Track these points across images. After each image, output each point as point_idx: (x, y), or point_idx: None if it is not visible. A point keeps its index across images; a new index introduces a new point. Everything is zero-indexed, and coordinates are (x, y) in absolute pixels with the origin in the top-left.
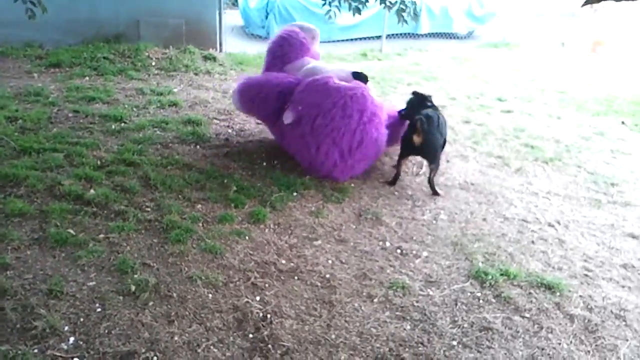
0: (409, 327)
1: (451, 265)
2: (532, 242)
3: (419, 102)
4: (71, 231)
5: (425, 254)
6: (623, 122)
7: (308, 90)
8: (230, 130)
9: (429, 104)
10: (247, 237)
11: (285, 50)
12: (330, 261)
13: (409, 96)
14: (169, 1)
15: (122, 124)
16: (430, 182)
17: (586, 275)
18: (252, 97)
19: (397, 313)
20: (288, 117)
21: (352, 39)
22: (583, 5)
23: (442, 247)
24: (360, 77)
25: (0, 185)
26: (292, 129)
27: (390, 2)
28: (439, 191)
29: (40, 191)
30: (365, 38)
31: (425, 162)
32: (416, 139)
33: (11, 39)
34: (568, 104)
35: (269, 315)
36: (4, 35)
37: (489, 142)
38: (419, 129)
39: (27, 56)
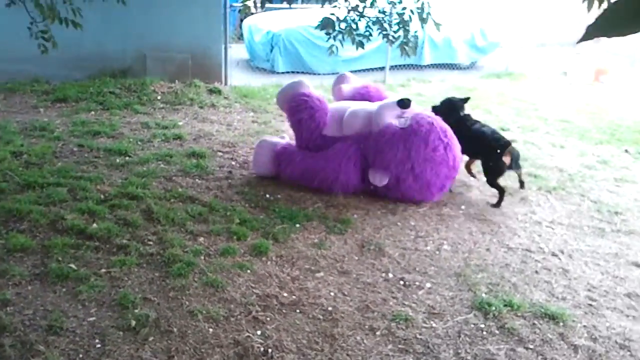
0: None
1: (454, 296)
2: (536, 272)
3: (450, 107)
4: (73, 266)
5: (428, 285)
6: (626, 151)
7: (384, 146)
8: (233, 163)
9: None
10: (249, 270)
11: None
12: (332, 293)
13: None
14: (176, 36)
15: (127, 158)
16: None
17: (590, 304)
18: None
19: (400, 346)
20: (383, 180)
21: (356, 70)
22: (578, 42)
23: (445, 278)
24: (404, 104)
25: (3, 220)
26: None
27: (393, 37)
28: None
29: (43, 226)
30: (368, 69)
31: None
32: (506, 160)
33: (18, 75)
34: (571, 133)
35: (270, 350)
36: (12, 71)
37: None
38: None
39: (34, 91)
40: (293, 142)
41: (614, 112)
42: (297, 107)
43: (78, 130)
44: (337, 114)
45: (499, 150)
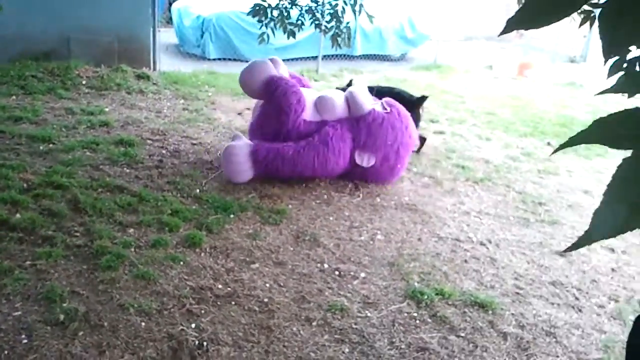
0: (347, 349)
1: (388, 285)
2: (465, 261)
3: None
4: None
5: (362, 275)
6: (549, 143)
7: (376, 131)
8: (164, 152)
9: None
10: (182, 262)
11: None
12: (268, 285)
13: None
14: (102, 18)
15: (51, 145)
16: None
17: (517, 293)
18: None
19: (336, 336)
20: (370, 161)
21: (288, 59)
22: (500, 34)
23: (379, 268)
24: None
25: None
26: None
27: (325, 27)
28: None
29: None
30: (301, 58)
31: (359, 185)
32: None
33: None
34: (496, 126)
35: (205, 343)
36: None
37: (422, 162)
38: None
39: None
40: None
41: (537, 105)
42: (282, 91)
43: None
44: (310, 97)
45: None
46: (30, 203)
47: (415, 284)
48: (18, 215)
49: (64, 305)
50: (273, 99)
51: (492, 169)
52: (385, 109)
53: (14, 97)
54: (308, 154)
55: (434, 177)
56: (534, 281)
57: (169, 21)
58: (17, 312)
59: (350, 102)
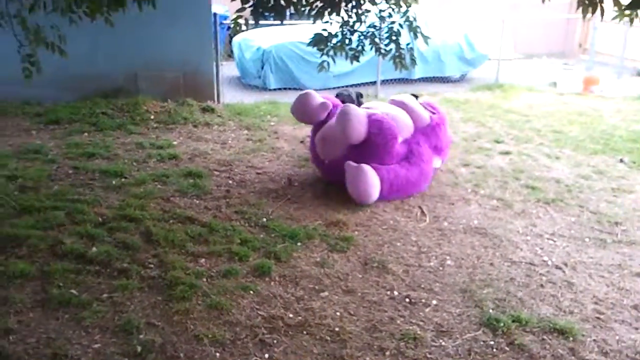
0: None
1: (462, 313)
2: (541, 285)
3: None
4: (74, 291)
5: (434, 302)
6: (621, 160)
7: (442, 134)
8: (230, 182)
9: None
10: (252, 291)
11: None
12: (338, 313)
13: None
14: (167, 55)
15: (123, 179)
16: None
17: (598, 318)
18: None
19: None
20: (443, 161)
21: (347, 85)
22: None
23: (451, 295)
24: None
25: (1, 246)
26: None
27: (385, 50)
28: None
29: (42, 251)
30: (360, 84)
31: (425, 209)
32: None
33: (9, 97)
34: (565, 144)
35: None
36: (2, 93)
37: (490, 184)
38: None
39: (26, 114)
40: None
41: (606, 121)
42: (377, 130)
43: (72, 153)
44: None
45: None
46: (105, 236)
47: (490, 310)
48: (94, 249)
49: (141, 336)
50: (370, 137)
51: (563, 188)
52: (433, 112)
53: (86, 133)
54: (414, 172)
55: (503, 199)
56: (615, 305)
57: (230, 54)
58: (96, 345)
59: (413, 116)
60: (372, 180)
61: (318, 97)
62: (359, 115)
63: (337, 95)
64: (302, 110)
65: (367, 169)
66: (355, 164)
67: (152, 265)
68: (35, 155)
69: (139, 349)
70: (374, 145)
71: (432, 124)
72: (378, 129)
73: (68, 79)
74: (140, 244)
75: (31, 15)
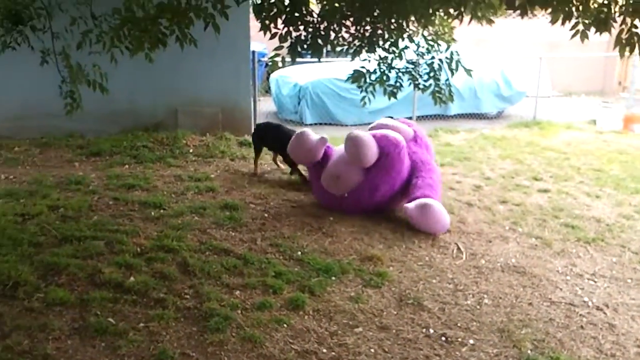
0: None
1: (499, 353)
2: (582, 327)
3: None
4: (111, 320)
5: (471, 341)
6: None
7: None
8: (266, 215)
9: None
10: (286, 325)
11: None
12: (372, 350)
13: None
14: (206, 91)
15: (161, 211)
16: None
17: None
18: None
19: None
20: None
21: None
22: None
23: (488, 334)
24: None
25: (42, 273)
26: None
27: (424, 85)
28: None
29: (81, 279)
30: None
31: (462, 246)
32: None
33: (54, 130)
34: (605, 182)
35: None
36: (48, 126)
37: (528, 222)
38: None
39: (69, 146)
40: None
41: None
42: (390, 158)
43: (113, 184)
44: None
45: None
46: (143, 266)
47: (529, 351)
48: (132, 279)
49: None
50: (381, 154)
51: (604, 228)
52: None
53: (127, 166)
54: (432, 175)
55: (542, 237)
56: None
57: (268, 90)
58: None
59: (399, 132)
60: (441, 211)
61: (314, 135)
62: (366, 136)
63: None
64: (300, 149)
65: (434, 204)
66: (413, 204)
67: (188, 296)
68: (77, 186)
69: None
70: (389, 159)
71: (415, 135)
72: (386, 143)
73: (110, 113)
74: (177, 275)
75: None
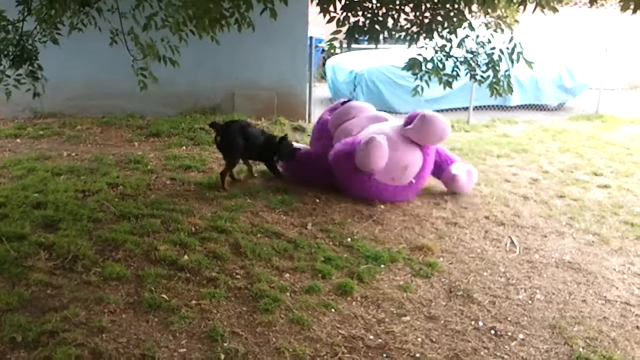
0: None
1: (549, 349)
2: (637, 327)
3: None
4: (165, 296)
5: (521, 336)
6: None
7: None
8: (317, 200)
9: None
10: (334, 310)
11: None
12: (420, 339)
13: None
14: (263, 76)
15: (216, 192)
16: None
17: None
18: None
19: None
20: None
21: (438, 110)
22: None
23: (539, 330)
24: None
25: (100, 249)
26: None
27: (482, 77)
28: (225, 187)
29: (137, 255)
30: (452, 109)
31: (516, 240)
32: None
33: (115, 110)
34: None
35: None
36: (110, 106)
37: (586, 218)
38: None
39: (129, 126)
40: None
41: None
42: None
43: (170, 164)
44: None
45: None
46: (197, 245)
47: (580, 349)
48: (186, 257)
49: (225, 345)
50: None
51: None
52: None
53: (184, 147)
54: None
55: (599, 234)
56: None
57: (323, 76)
58: (182, 349)
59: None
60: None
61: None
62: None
63: (212, 125)
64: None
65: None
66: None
67: (239, 276)
68: (136, 165)
69: (222, 356)
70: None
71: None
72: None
73: (170, 95)
74: (229, 255)
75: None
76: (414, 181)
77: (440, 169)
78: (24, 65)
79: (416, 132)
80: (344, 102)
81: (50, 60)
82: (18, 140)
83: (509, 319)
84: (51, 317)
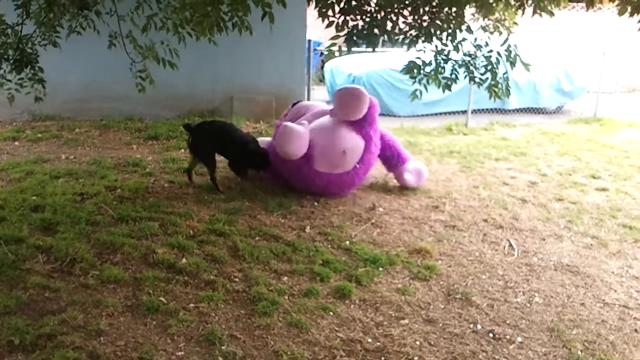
0: None
1: (548, 352)
2: (636, 330)
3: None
4: (163, 299)
5: (519, 339)
6: None
7: None
8: (316, 203)
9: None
10: (332, 313)
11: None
12: (418, 342)
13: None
14: (261, 79)
15: (214, 195)
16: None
17: None
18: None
19: None
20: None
21: (436, 113)
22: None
23: (537, 333)
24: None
25: (98, 252)
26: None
27: (480, 79)
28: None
29: (135, 258)
30: (450, 112)
31: (514, 243)
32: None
33: (114, 112)
34: None
35: None
36: (108, 109)
37: (584, 221)
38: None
39: (128, 129)
40: None
41: None
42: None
43: (169, 167)
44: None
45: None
46: (195, 248)
47: (579, 352)
48: (184, 260)
49: (223, 348)
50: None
51: None
52: None
53: (182, 150)
54: None
55: (598, 237)
56: None
57: (322, 79)
58: (180, 352)
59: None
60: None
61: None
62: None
63: (185, 127)
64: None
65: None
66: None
67: (237, 279)
68: (134, 168)
69: None
70: (375, 113)
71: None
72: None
73: (168, 98)
74: (227, 258)
75: (140, 36)
76: (358, 166)
77: (391, 162)
78: (25, 69)
79: (337, 109)
80: (294, 104)
81: (49, 63)
82: (16, 143)
83: (507, 322)
84: (49, 320)
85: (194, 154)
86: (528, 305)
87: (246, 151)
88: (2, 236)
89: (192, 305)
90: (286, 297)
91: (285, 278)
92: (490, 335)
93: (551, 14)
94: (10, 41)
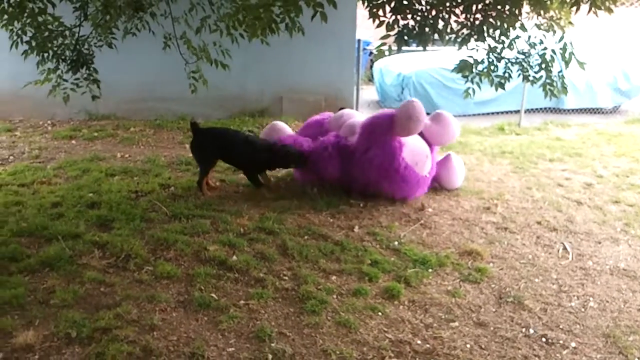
0: None
1: (603, 359)
2: None
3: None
4: (214, 295)
5: (573, 344)
6: None
7: None
8: (363, 204)
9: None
10: (381, 313)
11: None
12: (468, 345)
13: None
14: (311, 79)
15: (264, 194)
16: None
17: None
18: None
19: None
20: None
21: (488, 113)
22: None
23: (592, 338)
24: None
25: (152, 248)
26: None
27: (534, 78)
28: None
29: (188, 255)
30: (502, 112)
31: (568, 246)
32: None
33: (167, 113)
34: None
35: None
36: (162, 109)
37: None
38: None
39: (180, 128)
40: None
41: None
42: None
43: (219, 166)
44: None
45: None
46: (245, 246)
47: (636, 359)
48: (234, 257)
49: (272, 345)
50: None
51: None
52: None
53: None
54: None
55: None
56: None
57: (371, 79)
58: (230, 348)
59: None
60: None
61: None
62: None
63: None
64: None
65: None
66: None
67: (286, 278)
68: (186, 166)
69: (270, 357)
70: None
71: None
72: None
73: (220, 98)
74: (276, 256)
75: (194, 37)
76: (427, 175)
77: None
78: (81, 69)
79: (431, 129)
80: (340, 109)
81: (105, 64)
82: (73, 141)
83: (560, 326)
84: (104, 314)
85: (193, 153)
86: (582, 310)
87: (280, 153)
88: (60, 232)
89: (242, 302)
90: (335, 297)
91: (334, 277)
92: (543, 339)
93: (609, 10)
94: (68, 42)
